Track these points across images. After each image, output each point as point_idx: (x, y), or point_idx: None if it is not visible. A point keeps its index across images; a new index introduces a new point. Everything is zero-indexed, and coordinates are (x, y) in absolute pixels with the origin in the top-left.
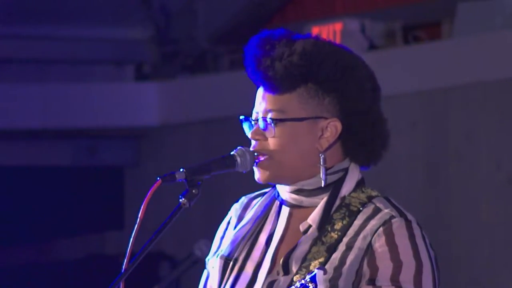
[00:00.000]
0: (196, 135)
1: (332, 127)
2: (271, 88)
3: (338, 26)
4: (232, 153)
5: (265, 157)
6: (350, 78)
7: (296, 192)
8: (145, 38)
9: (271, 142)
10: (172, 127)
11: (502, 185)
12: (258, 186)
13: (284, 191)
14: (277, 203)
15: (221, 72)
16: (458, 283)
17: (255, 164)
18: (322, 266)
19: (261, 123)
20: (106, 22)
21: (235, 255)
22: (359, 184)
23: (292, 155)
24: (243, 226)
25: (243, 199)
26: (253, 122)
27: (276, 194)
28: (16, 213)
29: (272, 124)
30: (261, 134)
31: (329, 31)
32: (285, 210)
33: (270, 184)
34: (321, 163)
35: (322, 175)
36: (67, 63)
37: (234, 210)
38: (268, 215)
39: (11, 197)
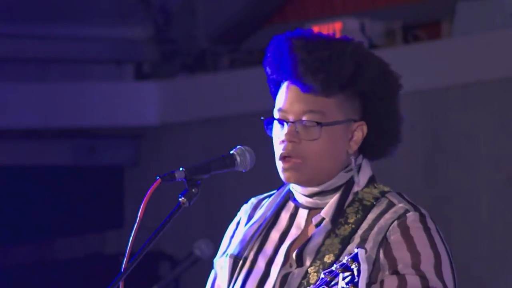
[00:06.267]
0: (196, 134)
1: (360, 130)
2: (319, 90)
3: (337, 25)
4: (231, 152)
5: (299, 160)
6: (389, 81)
7: (311, 195)
8: (145, 38)
9: (310, 145)
10: (171, 126)
11: (502, 185)
12: (257, 186)
13: (300, 195)
14: (290, 203)
15: (220, 71)
16: (457, 282)
17: (284, 165)
18: (361, 246)
19: (299, 125)
20: (105, 22)
21: (245, 254)
22: (371, 180)
23: (327, 159)
24: (251, 225)
25: (253, 200)
26: (286, 124)
27: (291, 195)
28: (16, 212)
29: (318, 127)
30: (296, 136)
31: (329, 30)
32: (303, 213)
33: (298, 184)
34: (354, 165)
35: (355, 178)
36: (67, 62)
37: (244, 210)
38: (280, 214)
39: (11, 197)
